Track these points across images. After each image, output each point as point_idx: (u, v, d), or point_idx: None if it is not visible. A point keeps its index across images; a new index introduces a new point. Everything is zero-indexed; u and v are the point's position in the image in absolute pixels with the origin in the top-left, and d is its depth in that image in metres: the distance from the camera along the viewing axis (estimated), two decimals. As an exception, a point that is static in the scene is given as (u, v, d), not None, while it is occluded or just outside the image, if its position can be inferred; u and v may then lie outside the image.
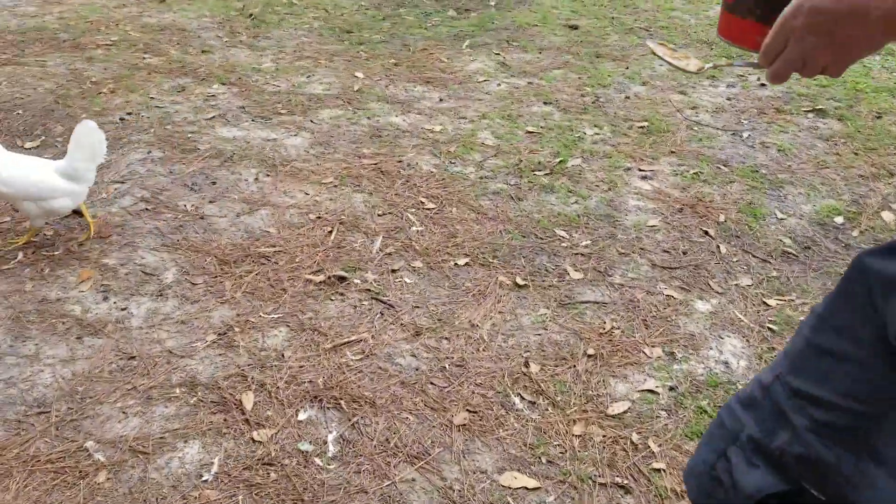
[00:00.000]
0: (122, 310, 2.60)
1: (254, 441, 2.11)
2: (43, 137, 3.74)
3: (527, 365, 2.39)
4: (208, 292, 2.70)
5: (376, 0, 6.24)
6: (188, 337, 2.49)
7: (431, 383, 2.31)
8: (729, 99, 4.39)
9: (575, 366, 2.39)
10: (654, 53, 1.20)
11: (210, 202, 3.24)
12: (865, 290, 0.83)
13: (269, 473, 2.01)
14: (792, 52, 0.79)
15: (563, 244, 3.01)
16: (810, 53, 0.77)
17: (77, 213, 3.09)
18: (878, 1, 0.69)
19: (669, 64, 1.16)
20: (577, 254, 2.95)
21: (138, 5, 5.83)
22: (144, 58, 4.78)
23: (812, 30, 0.75)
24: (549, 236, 3.06)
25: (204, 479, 1.99)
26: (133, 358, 2.39)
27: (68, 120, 3.92)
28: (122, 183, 3.35)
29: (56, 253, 2.87)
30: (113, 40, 5.06)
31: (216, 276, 2.77)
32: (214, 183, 3.38)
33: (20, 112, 3.98)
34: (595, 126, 4.01)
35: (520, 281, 2.77)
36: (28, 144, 3.67)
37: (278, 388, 2.28)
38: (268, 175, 3.47)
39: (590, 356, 2.43)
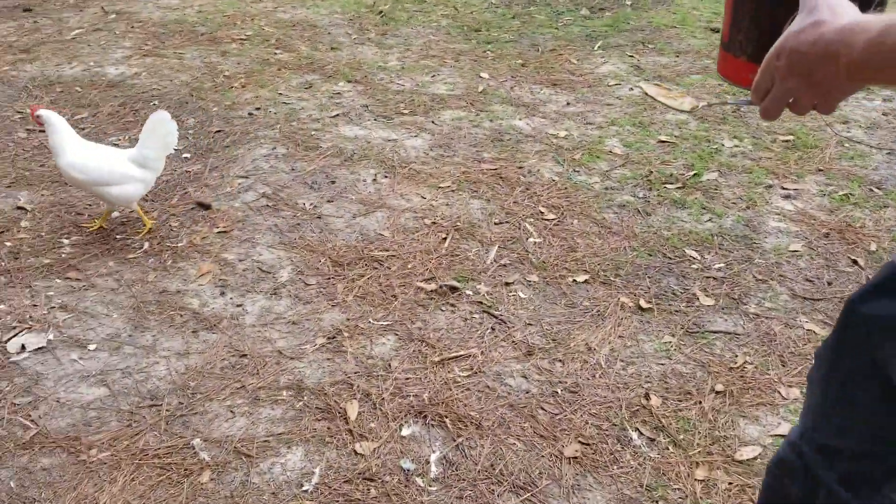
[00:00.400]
0: (238, 306, 2.62)
1: (356, 453, 2.05)
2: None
3: (647, 397, 2.21)
4: (320, 294, 2.67)
5: (506, -1, 6.13)
6: (298, 338, 2.47)
7: (542, 408, 2.18)
8: (885, 114, 3.99)
9: (701, 402, 2.19)
10: (647, 94, 1.18)
11: (328, 201, 3.22)
12: (863, 337, 0.82)
13: (369, 489, 1.95)
14: (778, 91, 0.80)
15: (693, 266, 2.80)
16: (795, 92, 0.79)
17: (203, 205, 3.15)
18: (846, 49, 0.71)
19: (663, 104, 1.14)
20: (708, 277, 2.73)
21: (274, 0, 5.97)
22: (276, 53, 4.87)
23: (793, 70, 0.77)
24: (679, 256, 2.85)
25: (304, 488, 1.95)
26: (244, 356, 2.39)
27: (200, 113, 4.04)
28: (246, 178, 3.40)
29: (179, 245, 2.93)
30: (247, 35, 5.19)
31: (329, 278, 2.75)
32: (333, 182, 3.37)
33: (156, 104, 4.13)
34: (734, 137, 3.74)
35: (643, 303, 2.59)
36: (162, 135, 3.79)
37: (383, 399, 2.21)
38: (386, 176, 3.43)
39: (718, 393, 2.23)
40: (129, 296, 2.65)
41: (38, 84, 4.34)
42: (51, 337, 2.44)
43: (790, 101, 0.82)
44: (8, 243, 2.90)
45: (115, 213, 3.09)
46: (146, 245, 2.92)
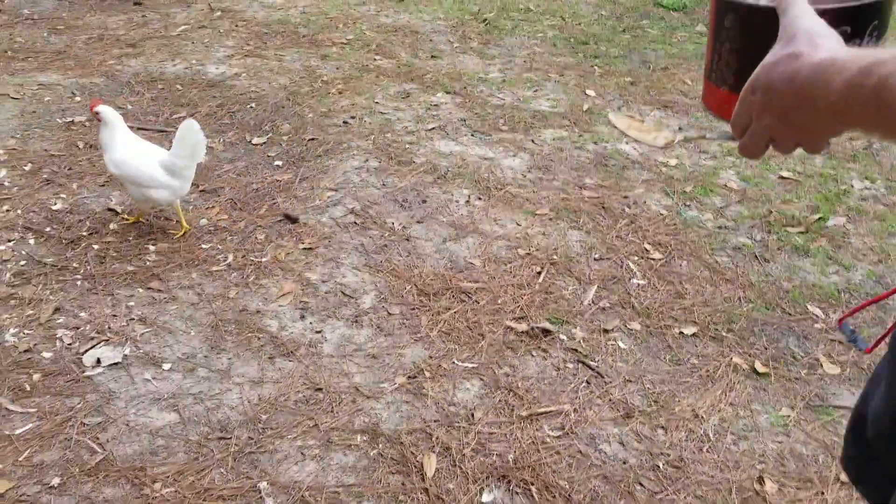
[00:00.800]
0: (317, 332, 2.49)
1: (430, 515, 1.88)
2: (270, 134, 3.79)
3: (761, 481, 1.95)
4: (403, 325, 2.52)
5: (618, 10, 5.85)
6: (377, 375, 2.31)
7: (640, 483, 1.95)
8: None
9: (823, 493, 1.92)
10: (616, 127, 1.05)
11: (418, 222, 3.07)
12: None
13: (441, 559, 1.77)
14: (755, 128, 0.74)
15: (816, 325, 2.50)
16: (774, 131, 0.73)
17: (290, 218, 3.05)
18: (824, 92, 0.65)
19: (634, 139, 1.02)
20: (833, 340, 2.43)
21: (377, 4, 5.88)
22: (375, 59, 4.76)
23: (769, 108, 0.71)
24: (800, 313, 2.55)
25: (371, 550, 1.79)
26: (320, 390, 2.26)
27: (296, 118, 3.95)
28: (336, 191, 3.28)
29: (263, 260, 2.83)
30: (348, 39, 5.10)
31: (413, 309, 2.59)
32: (425, 201, 3.21)
33: (253, 106, 4.08)
34: (866, 178, 3.38)
35: (759, 366, 2.32)
36: (255, 140, 3.72)
37: (464, 455, 2.03)
38: (480, 198, 3.25)
39: (843, 483, 1.95)
40: (208, 312, 2.56)
41: (141, 80, 4.36)
42: (127, 352, 2.37)
43: (770, 138, 0.74)
44: (95, 246, 2.86)
45: (203, 222, 3.02)
46: (230, 258, 2.83)
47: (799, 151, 0.75)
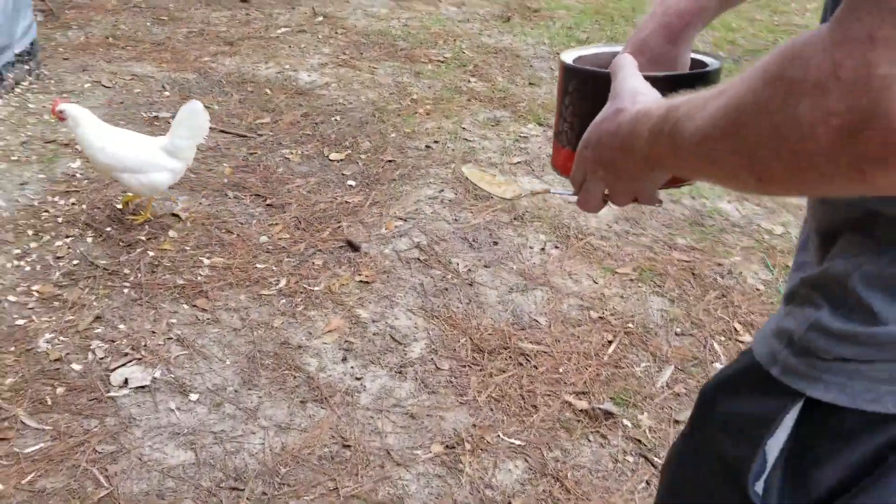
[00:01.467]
0: (357, 379, 2.30)
1: None
2: (349, 151, 3.64)
3: None
4: (450, 384, 2.29)
5: (737, 51, 5.47)
6: (413, 438, 2.10)
7: None
8: None
9: None
10: (469, 179, 1.14)
11: (485, 266, 2.84)
12: (715, 432, 0.74)
13: None
14: (590, 183, 0.78)
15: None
16: (607, 184, 0.76)
17: (353, 246, 2.88)
18: (638, 142, 0.67)
19: (484, 190, 1.06)
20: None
21: (482, 22, 5.70)
22: (469, 81, 4.57)
23: (599, 163, 0.74)
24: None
25: None
26: (348, 446, 2.06)
27: (377, 137, 3.80)
28: (405, 221, 3.09)
29: (316, 289, 2.66)
30: (445, 57, 4.93)
31: (465, 366, 2.36)
32: (496, 243, 2.98)
33: (337, 119, 3.95)
34: None
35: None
36: (333, 155, 3.59)
37: (492, 552, 1.79)
38: (556, 247, 2.99)
39: None
40: (248, 340, 2.41)
41: (232, 80, 4.31)
42: (157, 374, 2.24)
43: (606, 192, 0.78)
44: (151, 253, 2.77)
45: (262, 239, 2.89)
46: (283, 282, 2.68)
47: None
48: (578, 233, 3.09)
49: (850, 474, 0.64)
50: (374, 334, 2.48)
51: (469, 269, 2.82)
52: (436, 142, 3.77)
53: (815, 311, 0.65)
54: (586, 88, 0.82)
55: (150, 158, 2.77)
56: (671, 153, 0.62)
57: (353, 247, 2.90)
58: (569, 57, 0.88)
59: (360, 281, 2.72)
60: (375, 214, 3.15)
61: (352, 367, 2.34)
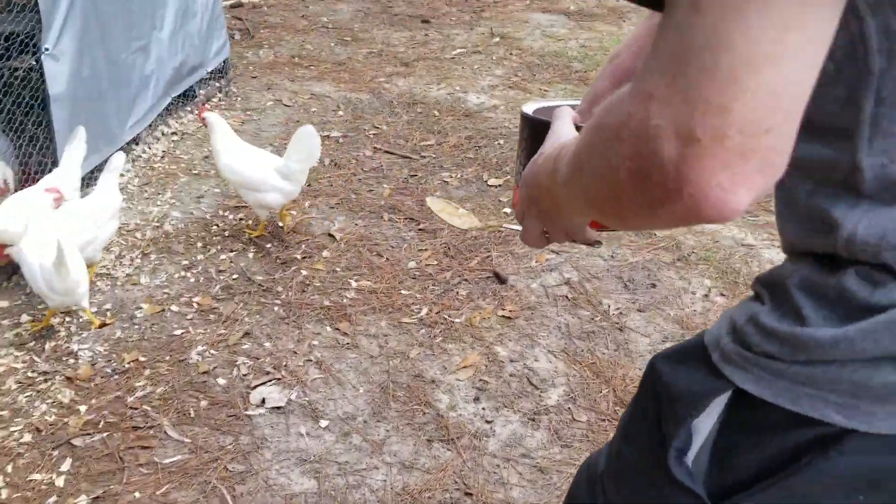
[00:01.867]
0: (487, 422, 2.21)
1: None
2: (508, 177, 3.57)
3: None
4: (587, 439, 2.14)
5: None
6: (539, 495, 1.98)
7: None
8: None
9: None
10: (431, 209, 1.35)
11: (639, 310, 2.65)
12: (654, 400, 0.78)
13: None
14: (527, 220, 0.82)
15: None
16: (541, 221, 0.80)
17: (500, 278, 2.80)
18: (546, 181, 0.72)
19: (444, 220, 1.22)
20: None
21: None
22: (644, 105, 4.34)
23: (532, 201, 0.78)
24: None
25: None
26: (470, 495, 1.98)
27: (539, 162, 3.69)
28: (556, 254, 2.96)
29: (457, 321, 2.61)
30: (621, 79, 4.73)
31: (604, 419, 2.20)
32: (654, 285, 2.78)
33: (501, 143, 3.89)
34: None
35: None
36: (492, 181, 3.53)
37: None
38: (723, 294, 2.73)
39: None
40: (383, 370, 2.39)
41: (403, 101, 4.39)
42: (293, 396, 2.28)
43: (544, 230, 0.82)
44: (304, 272, 2.85)
45: (411, 265, 2.88)
46: (424, 311, 2.65)
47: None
48: (749, 279, 2.81)
49: (767, 466, 0.68)
50: (510, 375, 2.38)
51: (620, 312, 2.64)
52: (599, 171, 3.60)
53: (757, 307, 0.68)
54: (535, 134, 0.90)
55: (265, 178, 2.86)
56: (556, 191, 0.70)
57: (500, 279, 2.82)
58: (529, 108, 0.96)
59: (503, 316, 2.63)
60: (527, 246, 3.04)
61: (483, 409, 2.25)
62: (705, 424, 0.72)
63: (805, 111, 0.49)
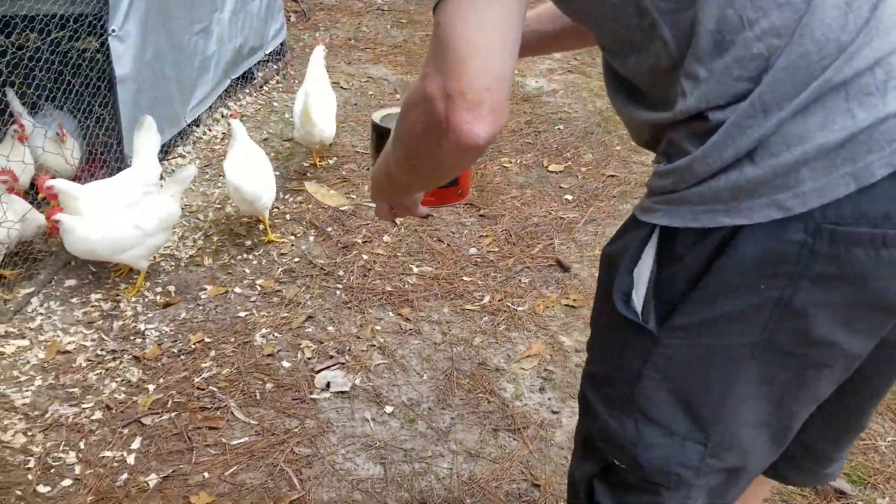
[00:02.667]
0: (554, 413, 2.17)
1: None
2: (569, 163, 3.51)
3: None
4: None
5: None
6: (607, 488, 1.94)
7: None
8: None
9: None
10: (308, 191, 1.80)
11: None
12: (605, 273, 0.95)
13: None
14: (378, 202, 1.13)
15: None
16: (386, 200, 1.11)
17: (563, 266, 2.75)
18: (391, 170, 0.98)
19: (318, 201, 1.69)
20: None
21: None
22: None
23: (377, 187, 1.09)
24: None
25: None
26: (537, 486, 1.95)
27: (601, 149, 3.63)
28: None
29: (520, 309, 2.57)
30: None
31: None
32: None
33: (560, 128, 3.83)
34: None
35: None
36: (552, 167, 3.47)
37: None
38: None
39: None
40: (447, 357, 2.37)
41: (460, 85, 4.34)
42: (357, 381, 2.27)
43: (390, 206, 1.13)
44: (365, 256, 2.83)
45: (472, 251, 2.84)
46: (487, 298, 2.62)
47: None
48: None
49: (690, 285, 0.84)
50: (576, 365, 2.34)
51: (687, 304, 2.57)
52: (663, 158, 3.52)
53: (658, 166, 0.86)
54: (380, 138, 1.13)
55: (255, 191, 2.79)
56: (391, 168, 0.97)
57: (564, 267, 2.77)
58: (377, 116, 1.20)
59: (567, 305, 2.59)
60: (590, 233, 2.99)
61: (549, 399, 2.22)
62: (644, 270, 0.88)
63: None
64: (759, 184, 0.78)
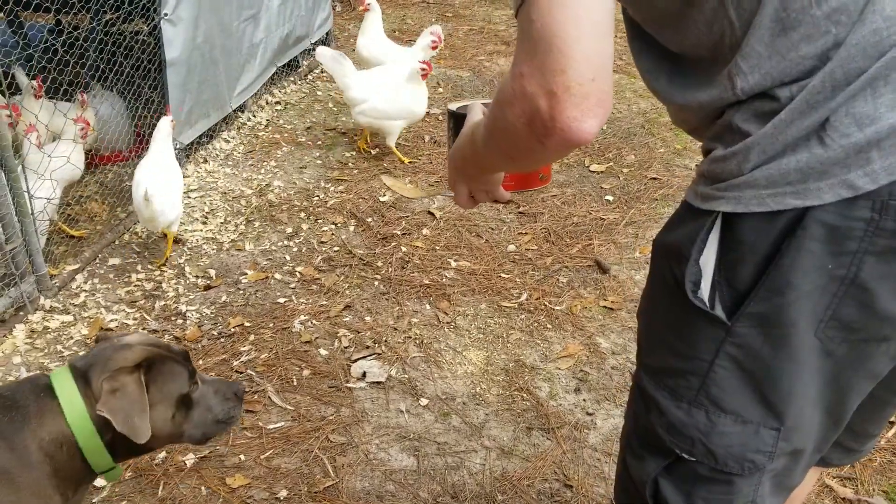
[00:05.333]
0: (588, 414, 2.17)
1: None
2: (611, 163, 3.49)
3: None
4: (691, 439, 2.08)
5: None
6: (640, 492, 1.93)
7: None
8: None
9: None
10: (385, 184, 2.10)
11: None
12: (664, 264, 0.92)
13: None
14: (457, 186, 1.10)
15: None
16: (466, 185, 1.10)
17: (601, 267, 2.74)
18: (467, 152, 1.03)
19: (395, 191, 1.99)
20: None
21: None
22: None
23: (457, 171, 1.08)
24: None
25: None
26: (569, 486, 1.94)
27: (644, 150, 3.60)
28: (661, 246, 2.88)
29: (557, 308, 2.56)
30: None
31: (710, 421, 2.13)
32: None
33: (603, 128, 3.80)
34: None
35: None
36: (594, 167, 3.45)
37: None
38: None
39: None
40: (483, 352, 2.38)
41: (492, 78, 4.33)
42: (393, 372, 2.29)
43: (470, 193, 1.11)
44: (404, 248, 2.85)
45: (510, 248, 2.84)
46: (524, 296, 2.62)
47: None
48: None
49: (760, 269, 0.83)
50: (612, 368, 2.33)
51: (727, 311, 2.55)
52: (707, 162, 3.49)
53: (714, 153, 0.85)
54: (457, 124, 1.13)
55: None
56: (477, 154, 0.98)
57: (602, 268, 2.75)
58: (453, 105, 1.22)
59: (605, 306, 2.57)
60: (630, 235, 2.97)
61: (584, 400, 2.21)
62: (708, 260, 0.86)
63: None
64: (830, 164, 0.77)
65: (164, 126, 2.76)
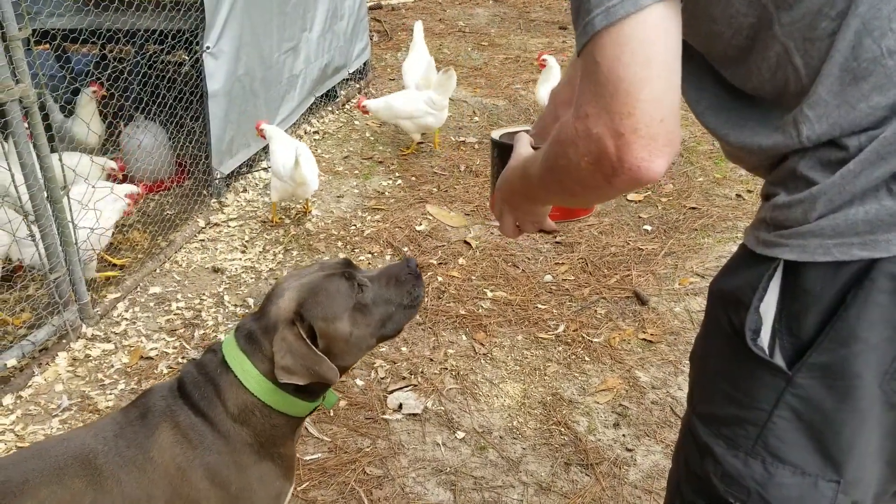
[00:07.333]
0: (628, 450, 2.13)
1: None
2: (649, 192, 3.45)
3: None
4: (735, 478, 2.02)
5: None
6: (682, 532, 1.88)
7: None
8: None
9: None
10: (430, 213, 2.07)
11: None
12: (722, 311, 0.91)
13: None
14: (504, 217, 1.12)
15: None
16: (513, 215, 1.11)
17: (640, 298, 2.70)
18: (517, 184, 1.03)
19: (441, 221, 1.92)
20: None
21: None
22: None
23: (504, 199, 1.10)
24: None
25: None
26: (608, 524, 1.90)
27: (683, 179, 3.56)
28: (702, 277, 2.84)
29: (595, 340, 2.53)
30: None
31: (754, 459, 2.07)
32: (808, 319, 2.61)
33: (640, 157, 3.77)
34: None
35: None
36: (631, 196, 3.43)
37: None
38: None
39: None
40: (520, 385, 2.35)
41: (540, 109, 4.33)
42: (429, 404, 2.27)
43: (516, 223, 1.13)
44: (440, 278, 2.84)
45: (547, 279, 2.82)
46: (562, 328, 2.59)
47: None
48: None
49: (824, 318, 0.81)
50: (652, 402, 2.28)
51: (770, 345, 2.49)
52: (749, 191, 3.43)
53: (776, 199, 0.83)
54: (502, 154, 1.14)
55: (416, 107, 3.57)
56: (530, 187, 0.98)
57: (641, 300, 2.72)
58: (496, 134, 1.22)
59: (644, 339, 2.54)
60: (670, 266, 2.93)
61: (623, 436, 2.17)
62: (769, 307, 0.85)
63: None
64: None
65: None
